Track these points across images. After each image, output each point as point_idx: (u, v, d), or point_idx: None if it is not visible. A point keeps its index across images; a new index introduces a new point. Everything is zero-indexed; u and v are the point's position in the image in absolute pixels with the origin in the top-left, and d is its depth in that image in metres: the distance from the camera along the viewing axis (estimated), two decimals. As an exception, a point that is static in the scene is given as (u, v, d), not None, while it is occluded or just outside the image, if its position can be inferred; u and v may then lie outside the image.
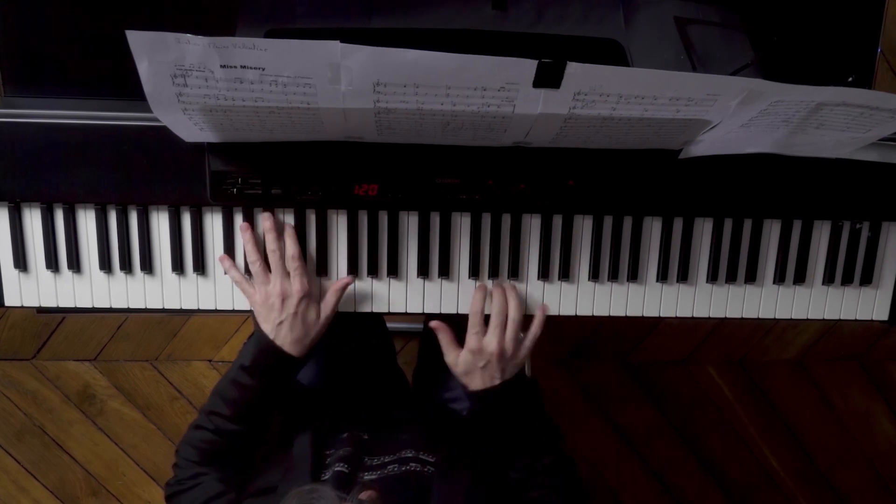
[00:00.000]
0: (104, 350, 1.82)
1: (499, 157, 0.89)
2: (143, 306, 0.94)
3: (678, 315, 0.98)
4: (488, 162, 0.89)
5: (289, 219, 0.92)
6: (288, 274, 0.89)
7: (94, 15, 0.87)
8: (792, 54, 0.94)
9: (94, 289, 0.93)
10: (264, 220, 0.90)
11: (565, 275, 0.95)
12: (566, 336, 1.85)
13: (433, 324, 0.93)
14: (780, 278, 0.98)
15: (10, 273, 0.92)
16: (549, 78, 0.70)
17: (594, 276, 0.96)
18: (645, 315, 0.98)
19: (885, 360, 1.92)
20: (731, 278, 0.97)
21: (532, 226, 0.94)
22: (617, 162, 0.90)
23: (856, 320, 1.01)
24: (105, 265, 0.92)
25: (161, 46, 0.66)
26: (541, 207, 0.93)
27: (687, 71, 0.92)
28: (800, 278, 0.98)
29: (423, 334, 1.27)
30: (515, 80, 0.71)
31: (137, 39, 0.66)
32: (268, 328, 0.88)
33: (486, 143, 0.86)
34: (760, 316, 0.99)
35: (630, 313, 0.98)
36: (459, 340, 0.93)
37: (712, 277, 0.97)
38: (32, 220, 0.91)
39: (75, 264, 0.92)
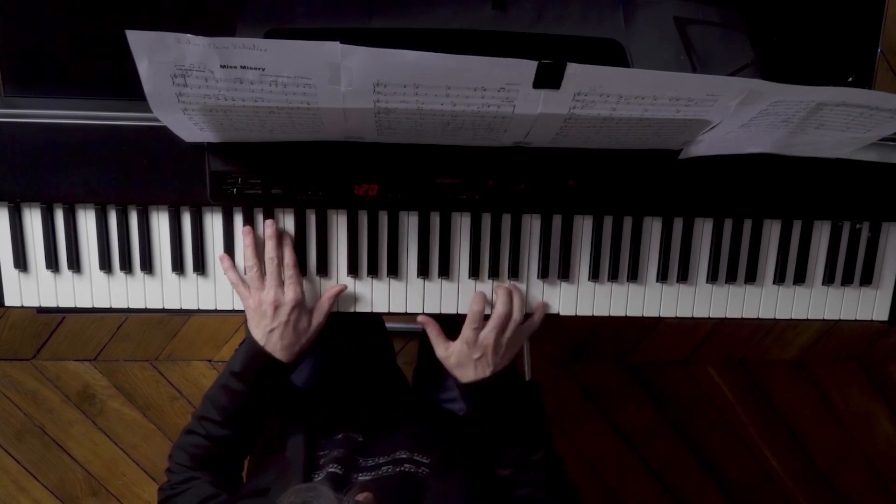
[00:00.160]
0: (104, 350, 1.82)
1: (499, 157, 0.89)
2: (143, 306, 0.94)
3: (678, 315, 0.98)
4: (488, 162, 0.89)
5: (289, 219, 0.92)
6: (282, 283, 0.89)
7: (94, 15, 0.87)
8: (792, 54, 0.94)
9: (94, 289, 0.93)
10: (267, 227, 0.90)
11: (565, 275, 0.95)
12: (566, 336, 1.85)
13: (420, 318, 0.94)
14: (780, 278, 0.98)
15: (10, 273, 0.92)
16: (549, 78, 0.70)
17: (594, 276, 0.96)
18: (645, 315, 0.98)
19: (885, 360, 1.92)
20: (731, 278, 0.97)
21: (532, 226, 0.94)
22: (617, 162, 0.90)
23: (856, 320, 1.01)
24: (105, 265, 0.92)
25: (161, 46, 0.66)
26: (541, 207, 0.93)
27: (687, 71, 0.92)
28: (800, 278, 0.98)
29: (422, 335, 1.27)
30: (515, 81, 0.71)
31: (137, 39, 0.66)
32: (259, 334, 0.89)
33: (486, 143, 0.86)
34: (760, 316, 0.99)
35: (630, 313, 0.98)
36: (452, 338, 0.93)
37: (712, 277, 0.97)
38: (32, 220, 0.91)
39: (75, 264, 0.92)
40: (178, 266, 0.92)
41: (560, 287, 0.96)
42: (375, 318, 1.26)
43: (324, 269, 0.93)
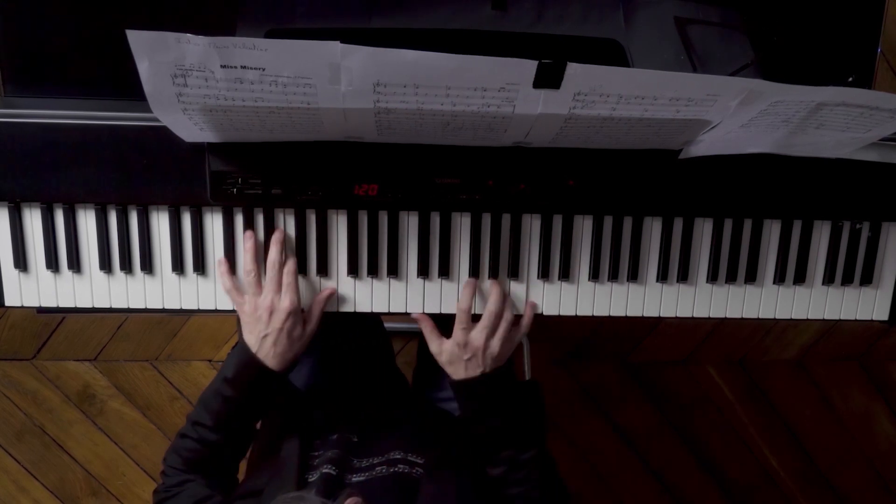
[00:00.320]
0: (104, 350, 1.82)
1: (499, 157, 0.89)
2: (143, 306, 0.94)
3: (678, 315, 0.98)
4: (488, 162, 0.89)
5: (289, 219, 0.92)
6: (280, 289, 0.89)
7: (94, 15, 0.87)
8: (792, 54, 0.94)
9: (94, 289, 0.93)
10: (277, 233, 0.90)
11: (565, 275, 0.95)
12: (566, 336, 1.85)
13: (414, 315, 0.94)
14: (780, 278, 0.98)
15: (10, 273, 0.92)
16: (549, 78, 0.70)
17: (594, 276, 0.96)
18: (645, 315, 0.98)
19: (885, 360, 1.92)
20: (731, 278, 0.97)
21: (532, 226, 0.94)
22: (617, 162, 0.90)
23: (856, 320, 1.01)
24: (105, 265, 0.92)
25: (161, 46, 0.66)
26: (541, 207, 0.93)
27: (687, 71, 0.92)
28: (800, 278, 0.98)
29: (422, 334, 1.27)
30: (515, 81, 0.71)
31: (138, 39, 0.66)
32: (252, 339, 0.89)
33: (486, 143, 0.86)
34: (760, 316, 0.99)
35: (630, 313, 0.98)
36: (448, 334, 0.93)
37: (712, 277, 0.97)
38: (32, 220, 0.91)
39: (75, 264, 0.92)
40: (178, 266, 0.92)
41: (560, 287, 0.96)
42: (374, 318, 1.26)
43: (324, 269, 0.93)
